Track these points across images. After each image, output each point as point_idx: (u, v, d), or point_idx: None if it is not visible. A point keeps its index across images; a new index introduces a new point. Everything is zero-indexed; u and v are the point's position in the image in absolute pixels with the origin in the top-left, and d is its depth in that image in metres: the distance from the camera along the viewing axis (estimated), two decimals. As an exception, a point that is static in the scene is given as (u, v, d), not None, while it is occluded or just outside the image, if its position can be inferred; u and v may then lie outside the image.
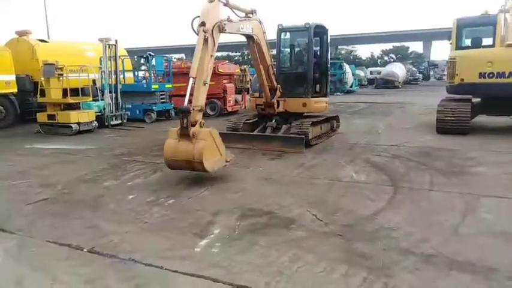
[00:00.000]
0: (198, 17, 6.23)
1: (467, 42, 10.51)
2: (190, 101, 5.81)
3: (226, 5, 6.86)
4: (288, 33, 9.53)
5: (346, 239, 3.81)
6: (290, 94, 9.07)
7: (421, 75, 52.00)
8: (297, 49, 9.78)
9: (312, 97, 9.02)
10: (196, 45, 6.09)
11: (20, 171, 6.94)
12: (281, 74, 9.37)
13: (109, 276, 3.23)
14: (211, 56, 6.27)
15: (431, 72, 56.88)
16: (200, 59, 5.95)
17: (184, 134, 5.52)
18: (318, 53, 9.52)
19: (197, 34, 6.12)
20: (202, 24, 6.05)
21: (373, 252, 3.49)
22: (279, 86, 8.94)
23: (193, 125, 5.59)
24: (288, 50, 9.88)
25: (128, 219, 4.49)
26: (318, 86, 9.55)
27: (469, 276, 3.07)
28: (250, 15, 7.83)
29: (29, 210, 4.88)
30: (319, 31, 9.33)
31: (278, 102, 8.95)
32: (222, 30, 6.45)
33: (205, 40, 6.03)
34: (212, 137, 5.68)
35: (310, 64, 9.00)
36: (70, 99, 11.40)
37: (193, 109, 5.66)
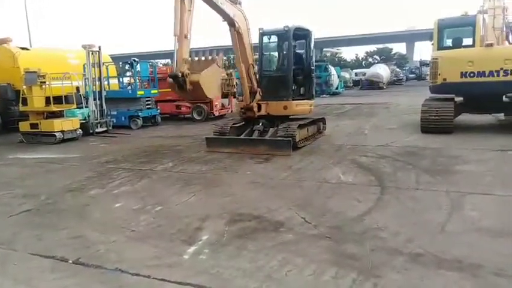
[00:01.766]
0: None
1: (449, 42, 10.71)
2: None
3: None
4: (269, 37, 9.50)
5: (334, 240, 3.82)
6: (271, 97, 9.06)
7: (413, 75, 52.47)
8: (278, 52, 9.75)
9: (293, 100, 8.97)
10: (174, 5, 6.74)
11: (3, 182, 6.78)
12: (264, 78, 9.38)
13: (95, 287, 3.17)
14: (189, 11, 6.88)
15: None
16: (181, 16, 6.68)
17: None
18: (303, 55, 9.52)
19: None
20: None
21: (362, 253, 3.50)
22: (259, 89, 9.01)
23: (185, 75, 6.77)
24: (270, 53, 9.86)
25: (114, 228, 4.42)
26: (302, 88, 9.52)
27: (456, 273, 3.10)
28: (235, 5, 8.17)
29: (12, 222, 4.76)
30: (301, 33, 9.32)
31: (260, 105, 8.97)
32: None
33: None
34: (204, 79, 6.97)
35: (290, 67, 8.98)
36: (53, 107, 11.23)
37: (181, 70, 6.75)
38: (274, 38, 9.52)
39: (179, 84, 6.90)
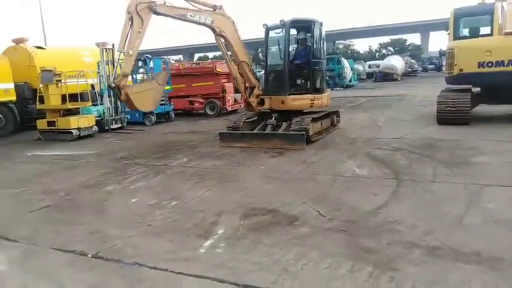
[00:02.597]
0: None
1: (465, 32, 10.44)
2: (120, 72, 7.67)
3: None
4: (273, 32, 9.35)
5: (350, 234, 3.80)
6: (273, 92, 9.12)
7: (432, 65, 51.27)
8: (280, 47, 9.60)
9: (290, 94, 8.85)
10: (124, 23, 7.50)
11: (22, 179, 6.94)
12: (270, 73, 9.49)
13: (114, 281, 3.23)
14: (139, 32, 7.48)
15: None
16: (129, 35, 7.43)
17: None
18: (311, 48, 9.12)
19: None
20: (129, 6, 7.33)
21: (378, 247, 3.48)
22: (258, 84, 9.19)
23: (120, 87, 7.48)
24: (274, 48, 9.70)
25: (131, 223, 4.49)
26: (307, 82, 9.19)
27: (475, 266, 3.05)
28: (213, 10, 8.42)
29: (32, 218, 4.88)
30: (303, 25, 9.18)
31: (263, 100, 9.11)
32: (153, 10, 7.54)
33: (131, 20, 7.34)
34: (133, 93, 7.60)
35: (286, 61, 8.89)
36: (69, 105, 11.42)
37: (115, 82, 7.50)
38: (276, 33, 9.38)
39: (117, 94, 7.79)
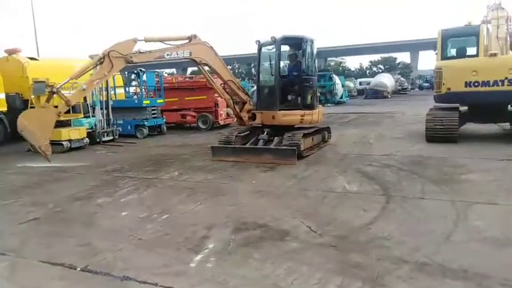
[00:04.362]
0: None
1: (453, 52, 10.76)
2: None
3: (147, 41, 7.93)
4: (265, 48, 9.50)
5: (340, 249, 3.83)
6: (264, 107, 9.29)
7: (427, 83, 51.79)
8: (271, 63, 9.65)
9: (281, 110, 8.96)
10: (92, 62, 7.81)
11: (12, 190, 6.87)
12: (262, 88, 9.69)
13: (104, 294, 3.21)
14: (104, 75, 7.77)
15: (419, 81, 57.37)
16: (94, 72, 7.82)
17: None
18: (300, 65, 9.32)
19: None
20: (105, 50, 7.54)
21: (367, 262, 3.51)
22: (249, 99, 9.42)
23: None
24: (266, 64, 9.77)
25: (121, 236, 4.46)
26: (298, 98, 9.30)
27: (462, 283, 3.10)
28: (189, 41, 8.47)
29: (21, 230, 4.82)
30: (293, 42, 9.38)
31: (255, 114, 9.29)
32: (129, 61, 7.70)
33: (100, 61, 7.61)
34: (40, 115, 7.47)
35: (276, 77, 9.05)
36: (61, 117, 11.33)
37: (56, 91, 7.60)
38: (270, 49, 9.53)
39: (48, 97, 7.74)
